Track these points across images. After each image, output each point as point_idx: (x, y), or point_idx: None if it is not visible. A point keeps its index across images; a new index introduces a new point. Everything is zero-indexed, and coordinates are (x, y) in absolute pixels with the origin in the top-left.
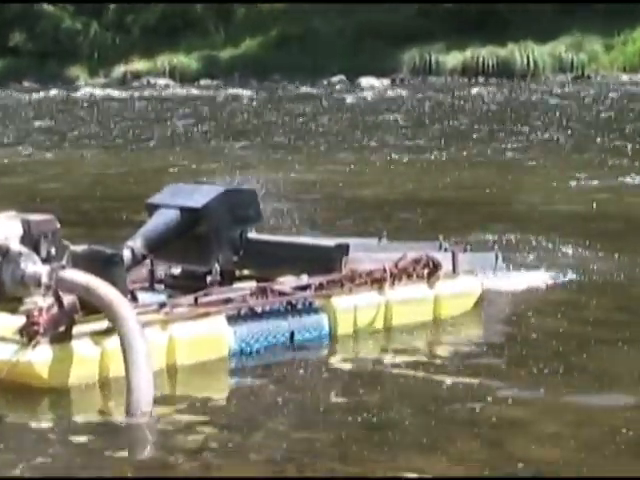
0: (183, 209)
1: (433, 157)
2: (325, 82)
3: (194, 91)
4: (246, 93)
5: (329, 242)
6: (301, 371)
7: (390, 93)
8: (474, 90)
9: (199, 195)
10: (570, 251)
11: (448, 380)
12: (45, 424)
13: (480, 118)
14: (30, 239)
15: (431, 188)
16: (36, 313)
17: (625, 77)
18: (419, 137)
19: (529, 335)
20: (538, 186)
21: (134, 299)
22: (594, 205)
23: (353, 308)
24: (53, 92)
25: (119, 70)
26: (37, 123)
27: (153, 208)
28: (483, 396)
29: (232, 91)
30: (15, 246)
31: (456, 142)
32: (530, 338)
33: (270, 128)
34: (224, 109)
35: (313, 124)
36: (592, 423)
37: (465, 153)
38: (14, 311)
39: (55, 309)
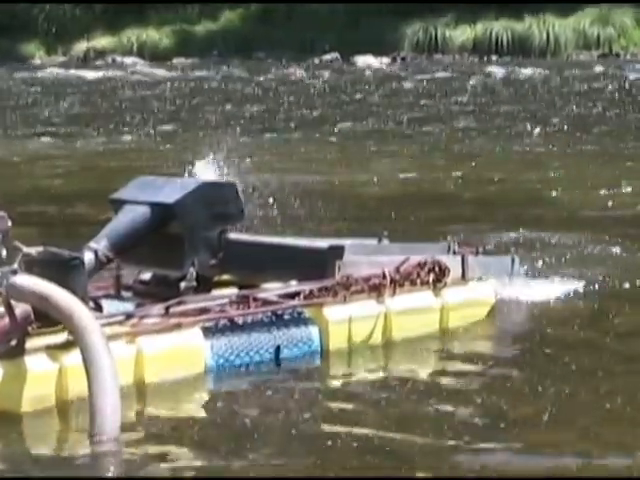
0: (153, 205)
1: (440, 147)
2: (316, 61)
3: (166, 71)
4: (225, 73)
5: (321, 243)
6: (287, 392)
7: (390, 73)
8: (486, 70)
9: (171, 189)
10: (597, 256)
11: (455, 403)
12: None
13: (493, 102)
14: None
15: (438, 182)
16: None
17: None
18: (423, 124)
19: (549, 351)
20: (561, 182)
21: (97, 308)
22: (627, 206)
23: (348, 319)
24: (3, 71)
25: (80, 47)
26: None
27: (118, 204)
28: (495, 423)
29: (209, 71)
30: None
31: (466, 130)
32: (550, 354)
33: (252, 113)
34: (200, 91)
35: (301, 108)
36: (621, 452)
37: (476, 143)
38: None
39: (5, 320)
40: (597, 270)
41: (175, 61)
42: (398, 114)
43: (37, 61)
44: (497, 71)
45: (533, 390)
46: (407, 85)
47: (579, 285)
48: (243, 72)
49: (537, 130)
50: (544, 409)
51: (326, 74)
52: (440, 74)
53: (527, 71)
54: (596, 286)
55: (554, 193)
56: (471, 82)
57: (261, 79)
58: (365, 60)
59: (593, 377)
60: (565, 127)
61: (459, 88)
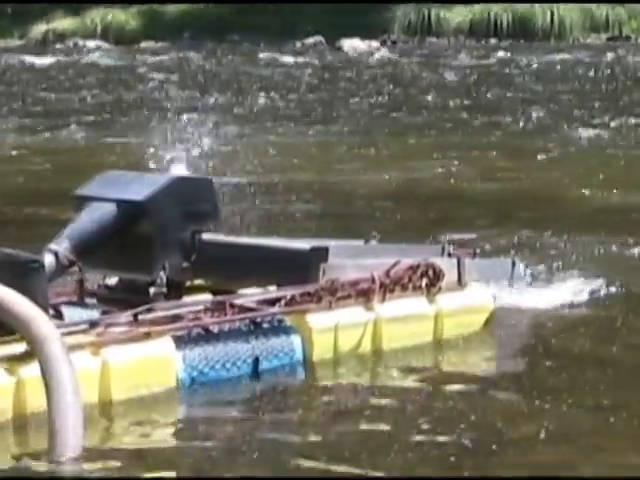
0: (120, 203)
1: (433, 140)
2: (298, 44)
3: (132, 56)
4: (198, 58)
5: (303, 245)
6: (267, 407)
7: (379, 58)
8: (484, 55)
9: (140, 185)
10: (607, 260)
11: (450, 421)
12: None
13: (492, 91)
14: None
15: (431, 178)
16: None
17: None
18: (414, 114)
19: (552, 363)
20: (566, 178)
21: (59, 316)
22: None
23: (333, 327)
24: None
25: (38, 30)
26: None
27: (82, 202)
28: (492, 443)
29: (181, 55)
30: None
31: (461, 121)
32: (553, 367)
33: (228, 101)
34: (170, 78)
35: (283, 97)
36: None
37: (473, 135)
38: None
39: None
40: (606, 275)
41: (143, 45)
42: (387, 103)
43: None
44: (496, 56)
45: (534, 407)
46: (398, 71)
47: (586, 291)
48: (217, 56)
49: (535, 116)
50: (545, 428)
51: (309, 59)
52: (434, 59)
53: (529, 56)
54: (605, 292)
55: (559, 190)
56: (468, 68)
57: (237, 64)
58: (352, 44)
59: (599, 392)
60: (571, 116)
61: (454, 75)
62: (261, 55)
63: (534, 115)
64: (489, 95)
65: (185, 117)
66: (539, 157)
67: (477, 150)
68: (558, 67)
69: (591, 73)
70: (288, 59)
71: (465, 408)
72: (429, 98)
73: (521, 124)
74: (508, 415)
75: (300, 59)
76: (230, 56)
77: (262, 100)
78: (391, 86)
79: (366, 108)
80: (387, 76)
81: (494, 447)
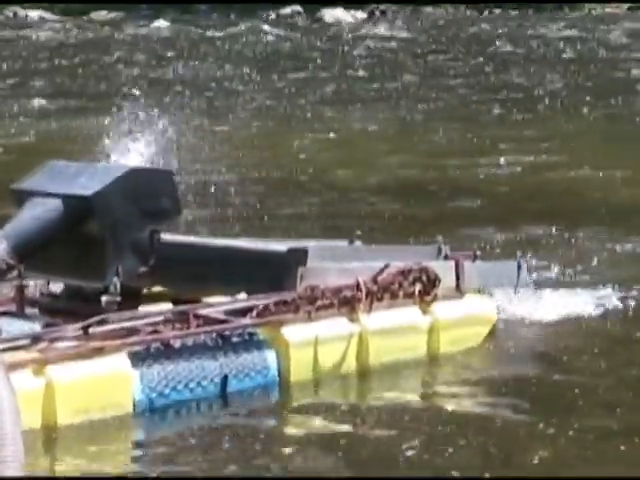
0: (66, 198)
1: (427, 127)
2: (272, 15)
3: (81, 29)
4: (158, 31)
5: (278, 246)
6: (237, 434)
7: (366, 31)
8: (486, 27)
9: (89, 178)
10: (626, 263)
11: (446, 447)
12: None
13: (493, 68)
14: None
15: (424, 169)
16: None
17: None
18: (406, 96)
19: (562, 382)
20: (579, 168)
21: None
22: None
23: (313, 342)
24: None
25: None
26: None
27: (22, 197)
28: (493, 472)
29: (136, 28)
30: None
31: (459, 104)
32: (563, 385)
33: (187, 83)
34: (124, 54)
35: (253, 78)
36: None
37: (473, 120)
38: None
39: None
40: (625, 280)
41: (93, 16)
42: (375, 82)
43: None
44: (500, 28)
45: (541, 431)
46: (387, 46)
47: (601, 299)
48: (179, 29)
49: (542, 101)
50: (552, 454)
51: (285, 32)
52: (429, 32)
53: (539, 28)
54: (622, 301)
55: (571, 182)
56: (467, 42)
57: (203, 38)
58: (333, 14)
59: (611, 415)
60: (586, 99)
61: (452, 51)
62: (230, 29)
63: (549, 97)
64: (495, 76)
65: (144, 99)
66: (549, 146)
67: (477, 136)
68: (571, 41)
69: (609, 48)
70: (258, 32)
71: (463, 434)
72: (422, 78)
73: (532, 108)
74: (511, 439)
75: (275, 31)
76: (194, 28)
77: (228, 81)
78: (380, 64)
79: (359, 90)
80: (374, 50)
81: (495, 473)
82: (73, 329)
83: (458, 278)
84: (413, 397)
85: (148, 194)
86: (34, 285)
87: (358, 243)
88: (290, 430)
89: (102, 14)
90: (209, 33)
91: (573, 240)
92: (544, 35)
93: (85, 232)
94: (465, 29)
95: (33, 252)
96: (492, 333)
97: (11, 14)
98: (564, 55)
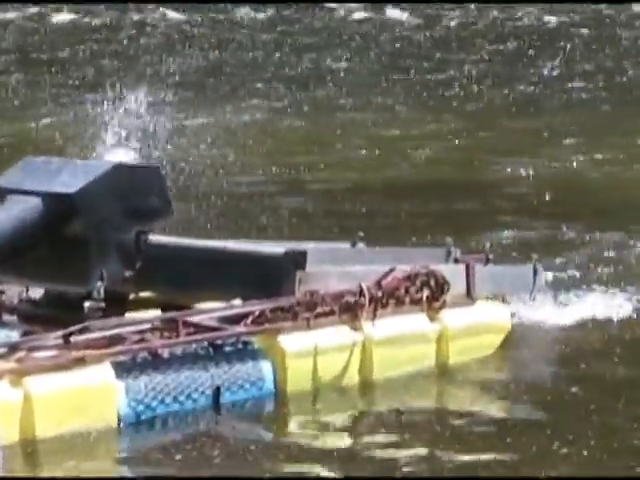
0: (46, 197)
1: (432, 118)
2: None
3: (21, 13)
4: (170, 17)
5: (275, 248)
6: (229, 450)
7: (361, 18)
8: (490, 15)
9: (71, 175)
10: None
11: (456, 467)
12: None
13: (503, 58)
14: None
15: (431, 165)
16: None
17: None
18: (408, 88)
19: (581, 394)
20: (599, 164)
21: None
22: None
23: (312, 351)
24: None
25: None
26: None
27: None
28: None
29: (97, 17)
30: None
31: (469, 95)
32: (582, 398)
33: (172, 68)
34: (107, 45)
35: (268, 68)
36: None
37: (479, 110)
38: None
39: None
40: None
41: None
42: (371, 67)
43: None
44: (502, 16)
45: (558, 448)
46: (365, 29)
47: (623, 305)
48: (147, 12)
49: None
50: (571, 474)
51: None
52: (425, 12)
53: (553, 17)
54: None
55: (592, 178)
56: (463, 28)
57: (195, 22)
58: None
59: (633, 431)
60: (602, 95)
61: (464, 34)
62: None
63: (562, 89)
64: (501, 61)
65: (131, 91)
66: (567, 140)
67: (488, 131)
68: (597, 33)
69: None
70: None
71: (473, 448)
72: (420, 61)
73: (542, 99)
74: (526, 457)
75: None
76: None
77: (229, 70)
78: (368, 49)
79: (346, 76)
80: (366, 34)
81: None
82: (53, 338)
83: (469, 283)
84: (419, 413)
85: (135, 192)
86: (12, 291)
87: (361, 245)
88: (286, 447)
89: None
90: (202, 17)
91: (592, 243)
92: (558, 25)
93: (67, 233)
94: (472, 19)
95: (10, 255)
96: (506, 342)
97: None
98: (585, 45)
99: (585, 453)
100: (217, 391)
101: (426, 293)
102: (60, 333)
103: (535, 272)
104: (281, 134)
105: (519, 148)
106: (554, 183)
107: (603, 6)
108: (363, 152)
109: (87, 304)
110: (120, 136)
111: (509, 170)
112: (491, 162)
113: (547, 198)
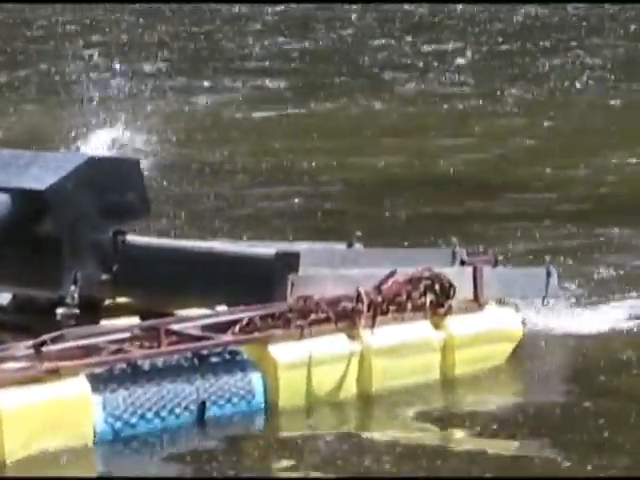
0: (15, 193)
1: (435, 110)
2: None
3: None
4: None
5: (265, 250)
6: (216, 468)
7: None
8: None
9: (42, 169)
10: None
11: None
12: None
13: (516, 46)
14: None
15: (435, 160)
16: None
17: None
18: (410, 77)
19: (596, 407)
20: (619, 159)
21: None
22: None
23: (306, 362)
24: None
25: None
26: None
27: None
28: None
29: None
30: None
31: (468, 83)
32: (600, 412)
33: (162, 60)
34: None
35: (257, 56)
36: None
37: (483, 103)
38: None
39: None
40: None
41: None
42: (368, 58)
43: None
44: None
45: (573, 469)
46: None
47: None
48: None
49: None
50: None
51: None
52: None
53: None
54: None
55: (609, 175)
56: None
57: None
58: None
59: None
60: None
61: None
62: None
63: (581, 76)
64: (507, 47)
65: (112, 82)
66: (583, 134)
67: (494, 126)
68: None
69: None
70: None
71: (480, 468)
72: (421, 52)
73: (554, 89)
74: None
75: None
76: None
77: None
78: (368, 38)
79: (340, 64)
80: (361, 25)
81: None
82: (23, 347)
83: (476, 287)
84: (423, 429)
85: (111, 188)
86: None
87: (359, 246)
88: (277, 465)
89: None
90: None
91: (611, 247)
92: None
93: (37, 233)
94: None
95: None
96: (516, 351)
97: None
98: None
99: (603, 471)
100: (202, 406)
101: (430, 298)
102: (31, 343)
103: (548, 275)
104: (276, 130)
105: (527, 146)
106: (567, 184)
107: None
108: (357, 148)
109: (60, 310)
110: (97, 127)
111: (517, 167)
112: (500, 158)
113: (561, 197)
